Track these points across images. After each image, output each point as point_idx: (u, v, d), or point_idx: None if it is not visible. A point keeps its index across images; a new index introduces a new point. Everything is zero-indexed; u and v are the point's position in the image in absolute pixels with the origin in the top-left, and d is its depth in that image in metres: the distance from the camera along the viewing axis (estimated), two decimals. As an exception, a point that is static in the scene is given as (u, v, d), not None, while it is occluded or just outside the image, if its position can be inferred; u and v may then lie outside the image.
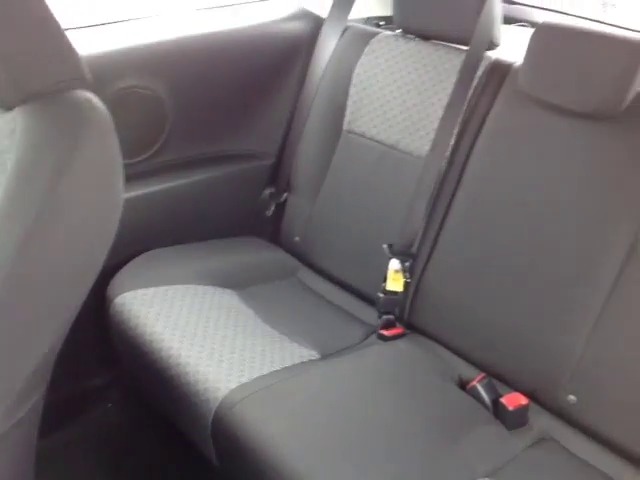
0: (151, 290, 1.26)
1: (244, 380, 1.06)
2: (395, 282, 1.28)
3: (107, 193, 0.76)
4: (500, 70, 1.26)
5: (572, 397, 1.08)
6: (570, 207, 1.12)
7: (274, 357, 1.13)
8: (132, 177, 1.38)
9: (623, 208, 1.07)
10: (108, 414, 1.46)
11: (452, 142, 1.28)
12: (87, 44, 1.26)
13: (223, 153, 1.55)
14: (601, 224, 1.09)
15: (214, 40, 1.46)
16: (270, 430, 0.97)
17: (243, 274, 1.41)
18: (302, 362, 1.15)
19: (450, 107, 1.27)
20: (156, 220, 1.44)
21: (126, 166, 1.41)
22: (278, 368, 1.10)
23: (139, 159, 1.40)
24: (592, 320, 1.07)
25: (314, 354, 1.18)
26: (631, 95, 1.08)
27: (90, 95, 0.76)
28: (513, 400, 1.09)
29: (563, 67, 1.13)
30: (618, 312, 1.05)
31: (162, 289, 1.26)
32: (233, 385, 1.04)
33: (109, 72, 1.27)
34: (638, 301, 1.04)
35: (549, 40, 1.16)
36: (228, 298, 1.30)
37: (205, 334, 1.16)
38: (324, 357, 1.19)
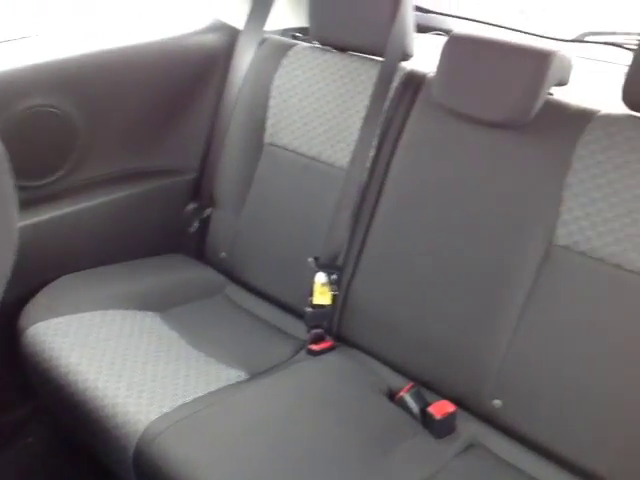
0: (65, 318, 1.19)
1: (166, 410, 1.02)
2: (322, 296, 1.27)
3: None
4: (415, 80, 1.27)
5: (497, 401, 1.10)
6: (487, 214, 1.14)
7: (199, 382, 1.10)
8: (44, 199, 1.32)
9: (536, 214, 1.09)
10: (29, 449, 1.39)
11: (372, 153, 1.28)
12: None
13: (142, 169, 1.50)
14: (516, 229, 1.11)
15: (127, 54, 1.41)
16: (193, 461, 0.94)
17: (166, 294, 1.36)
18: (229, 384, 1.12)
19: (368, 118, 1.27)
20: (73, 243, 1.38)
21: (35, 189, 1.35)
22: (202, 394, 1.07)
23: (49, 180, 1.33)
24: (512, 323, 1.09)
25: (242, 375, 1.16)
26: (539, 103, 1.10)
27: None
28: (440, 408, 1.10)
29: (473, 77, 1.15)
30: (536, 314, 1.07)
31: (77, 317, 1.20)
32: (154, 416, 1.00)
33: (10, 92, 1.20)
34: (554, 304, 1.07)
35: (459, 50, 1.18)
36: (149, 321, 1.26)
37: (124, 362, 1.11)
38: (252, 377, 1.16)
